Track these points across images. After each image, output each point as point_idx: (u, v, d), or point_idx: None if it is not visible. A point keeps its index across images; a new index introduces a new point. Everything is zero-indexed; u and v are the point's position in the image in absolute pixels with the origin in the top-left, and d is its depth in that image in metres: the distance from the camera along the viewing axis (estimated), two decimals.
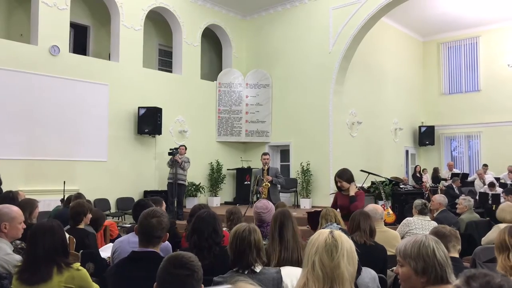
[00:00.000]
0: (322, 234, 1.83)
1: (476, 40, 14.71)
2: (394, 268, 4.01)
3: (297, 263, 2.90)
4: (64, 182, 8.54)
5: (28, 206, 4.00)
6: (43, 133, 8.94)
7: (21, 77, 8.68)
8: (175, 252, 2.10)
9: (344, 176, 5.38)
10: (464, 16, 13.50)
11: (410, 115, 14.81)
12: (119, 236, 5.08)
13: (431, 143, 14.84)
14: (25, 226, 2.99)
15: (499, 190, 10.77)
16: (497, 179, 11.93)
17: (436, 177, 12.98)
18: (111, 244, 4.27)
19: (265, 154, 8.28)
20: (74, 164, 9.34)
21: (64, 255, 2.46)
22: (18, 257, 2.72)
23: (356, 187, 5.43)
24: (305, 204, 11.17)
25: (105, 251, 3.94)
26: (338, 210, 5.12)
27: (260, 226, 3.85)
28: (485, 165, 12.25)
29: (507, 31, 13.20)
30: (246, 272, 2.42)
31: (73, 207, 4.21)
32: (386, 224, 8.18)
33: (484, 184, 11.20)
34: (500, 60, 13.78)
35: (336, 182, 5.44)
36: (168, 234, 2.60)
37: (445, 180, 12.17)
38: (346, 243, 1.81)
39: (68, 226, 4.21)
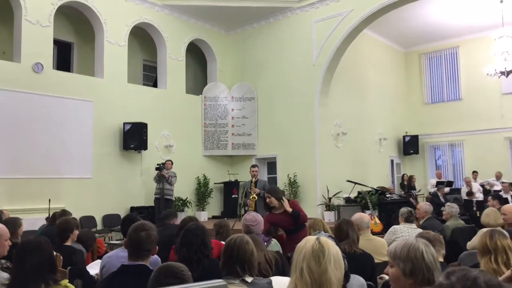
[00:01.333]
0: (309, 241, 1.86)
1: (456, 50, 15.05)
2: (383, 275, 4.05)
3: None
4: (49, 200, 8.43)
5: (11, 224, 3.94)
6: (27, 151, 8.84)
7: (4, 95, 8.61)
8: (165, 263, 2.10)
9: (275, 193, 5.08)
10: (443, 26, 13.81)
11: (394, 125, 15.00)
12: (106, 252, 5.02)
13: (415, 152, 15.03)
14: (10, 244, 2.95)
15: (479, 196, 10.98)
16: (482, 185, 12.15)
17: (410, 185, 13.15)
18: (99, 261, 4.23)
19: (253, 166, 8.31)
20: (59, 182, 9.23)
21: (52, 272, 2.43)
22: (5, 275, 2.69)
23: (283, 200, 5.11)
24: None
25: (93, 268, 3.89)
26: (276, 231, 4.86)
27: None
28: (475, 172, 12.42)
29: (485, 41, 13.53)
30: (237, 282, 2.43)
31: (60, 224, 4.16)
32: (373, 233, 8.25)
33: (471, 191, 11.37)
34: (480, 69, 14.07)
35: (264, 199, 5.13)
36: (157, 247, 2.60)
37: (413, 189, 12.41)
38: (333, 248, 1.84)
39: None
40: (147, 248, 2.52)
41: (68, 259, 3.87)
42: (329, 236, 2.53)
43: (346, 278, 2.67)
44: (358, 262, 3.43)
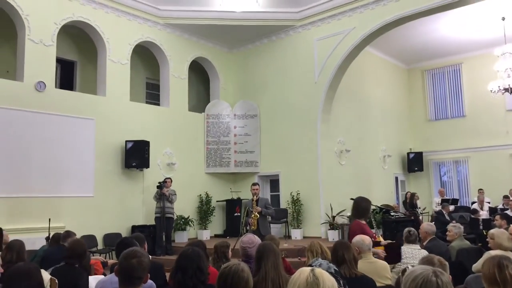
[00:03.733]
0: (303, 272, 1.78)
1: (459, 67, 15.02)
2: None
3: None
4: (50, 219, 8.35)
5: (16, 246, 3.88)
6: (28, 169, 8.81)
7: (7, 114, 8.62)
8: None
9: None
10: (446, 43, 13.82)
11: (398, 142, 14.91)
12: (104, 274, 4.93)
13: (420, 169, 14.90)
14: (2, 271, 2.87)
15: (483, 214, 10.84)
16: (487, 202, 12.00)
17: (412, 203, 12.93)
18: (93, 278, 4.15)
19: (254, 184, 8.23)
20: (59, 201, 9.17)
21: None
22: None
23: None
24: (296, 234, 11.04)
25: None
26: None
27: (246, 261, 3.76)
28: (481, 190, 12.23)
29: (488, 58, 13.50)
30: None
31: (74, 247, 4.07)
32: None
33: (482, 209, 11.24)
34: (483, 85, 14.03)
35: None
36: (149, 274, 2.51)
37: (416, 207, 12.15)
38: (328, 281, 1.76)
39: (62, 263, 4.10)
40: (138, 276, 2.44)
41: (74, 283, 3.77)
42: (328, 264, 2.44)
43: None
44: (359, 286, 3.32)
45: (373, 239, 4.75)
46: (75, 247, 4.07)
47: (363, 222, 5.01)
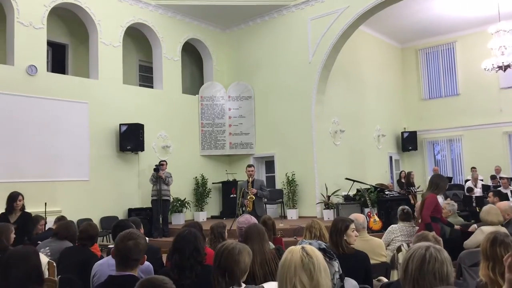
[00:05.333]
0: (295, 252, 1.78)
1: (453, 45, 14.97)
2: (381, 277, 3.99)
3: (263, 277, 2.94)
4: (46, 203, 8.34)
5: (3, 230, 3.89)
6: (22, 154, 8.77)
7: None
8: (149, 276, 2.04)
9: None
10: (440, 22, 13.74)
11: (392, 121, 14.94)
12: (101, 257, 4.96)
13: (414, 148, 14.98)
14: None
15: (477, 191, 10.95)
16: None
17: (409, 182, 12.99)
18: None
19: (249, 166, 8.23)
20: (55, 185, 9.17)
21: (37, 284, 2.37)
22: None
23: None
24: (292, 214, 11.14)
25: None
26: None
27: (243, 242, 3.80)
28: (474, 168, 12.31)
29: (482, 36, 13.44)
30: None
31: (86, 229, 4.12)
32: (373, 231, 8.23)
33: (476, 186, 11.35)
34: (477, 64, 14.01)
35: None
36: (146, 256, 2.53)
37: (412, 186, 12.16)
38: (320, 256, 1.78)
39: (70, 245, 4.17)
40: (135, 258, 2.45)
41: (87, 263, 3.81)
42: (317, 241, 2.48)
43: (341, 281, 2.61)
44: (350, 263, 3.34)
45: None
46: (88, 229, 4.12)
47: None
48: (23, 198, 6.27)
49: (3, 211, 6.29)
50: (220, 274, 2.39)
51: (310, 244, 2.23)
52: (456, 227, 5.77)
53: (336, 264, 2.51)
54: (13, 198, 6.16)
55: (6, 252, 2.64)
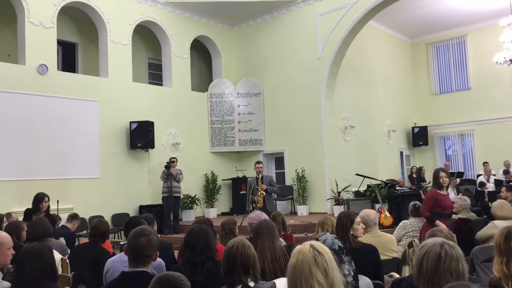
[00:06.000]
0: (306, 252, 1.74)
1: (463, 39, 14.81)
2: (392, 273, 3.97)
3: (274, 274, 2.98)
4: (58, 201, 8.42)
5: (14, 228, 3.94)
6: (34, 152, 8.86)
7: (11, 97, 8.63)
8: (164, 272, 2.05)
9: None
10: (450, 15, 13.60)
11: (402, 117, 14.84)
12: (113, 254, 5.00)
13: (424, 143, 14.86)
14: (13, 252, 2.92)
15: (490, 186, 10.84)
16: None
17: (420, 177, 12.92)
18: None
19: (258, 162, 8.23)
20: (67, 183, 9.26)
21: (52, 280, 2.40)
22: (6, 284, 2.66)
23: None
24: (302, 211, 11.13)
25: None
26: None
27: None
28: (486, 163, 12.18)
29: (493, 29, 13.29)
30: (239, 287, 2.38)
31: (99, 226, 4.17)
32: (384, 227, 8.19)
33: (488, 181, 11.24)
34: (488, 57, 13.85)
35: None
36: (158, 252, 2.55)
37: (424, 181, 12.07)
38: (328, 251, 1.77)
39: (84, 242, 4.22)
40: (148, 254, 2.47)
41: (99, 260, 3.86)
42: (333, 239, 2.46)
43: (355, 280, 2.60)
44: (358, 257, 3.32)
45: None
46: (99, 226, 4.16)
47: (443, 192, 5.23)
48: (49, 200, 6.32)
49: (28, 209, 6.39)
50: (243, 272, 2.38)
51: (325, 240, 2.23)
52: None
53: (346, 267, 2.47)
54: (40, 199, 6.23)
55: (20, 250, 2.67)
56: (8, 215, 6.37)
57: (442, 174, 5.16)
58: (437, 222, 4.81)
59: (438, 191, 5.14)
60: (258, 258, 3.07)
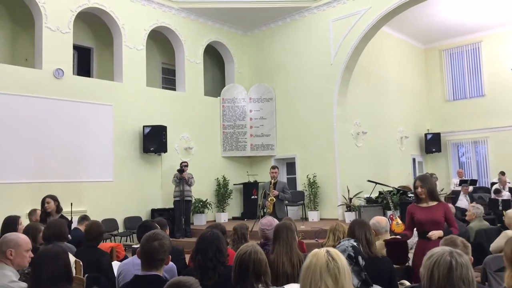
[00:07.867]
0: (320, 256, 1.79)
1: (478, 45, 14.69)
2: (403, 281, 3.96)
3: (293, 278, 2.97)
4: (71, 203, 8.54)
5: (31, 231, 4.01)
6: (49, 155, 9.00)
7: (27, 101, 8.79)
8: (176, 278, 2.09)
9: (428, 183, 4.37)
10: (464, 22, 13.51)
11: (415, 123, 14.75)
12: (126, 257, 5.06)
13: (437, 150, 14.74)
14: (32, 255, 2.97)
15: (505, 194, 10.68)
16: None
17: None
18: (116, 263, 4.28)
19: (273, 167, 8.25)
20: (80, 185, 9.38)
21: (67, 282, 2.45)
22: (23, 285, 2.72)
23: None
24: (313, 216, 11.11)
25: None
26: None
27: (265, 244, 3.83)
28: (503, 172, 11.93)
29: (508, 35, 13.19)
30: None
31: (91, 229, 4.20)
32: (395, 234, 8.13)
33: (504, 189, 11.08)
34: (503, 64, 13.75)
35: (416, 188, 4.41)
36: (170, 256, 2.59)
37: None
38: (344, 260, 1.79)
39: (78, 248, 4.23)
40: (160, 258, 2.51)
41: (96, 263, 3.90)
42: (353, 245, 2.47)
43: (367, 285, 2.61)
44: (373, 267, 3.32)
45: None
46: (91, 229, 4.19)
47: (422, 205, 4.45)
48: (52, 200, 6.40)
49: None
50: (255, 278, 2.41)
51: (346, 248, 2.24)
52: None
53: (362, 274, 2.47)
54: (41, 202, 6.35)
55: (37, 252, 2.73)
56: (33, 211, 6.52)
57: (418, 183, 4.34)
58: (430, 234, 4.18)
59: (416, 204, 4.43)
60: (274, 262, 3.09)
